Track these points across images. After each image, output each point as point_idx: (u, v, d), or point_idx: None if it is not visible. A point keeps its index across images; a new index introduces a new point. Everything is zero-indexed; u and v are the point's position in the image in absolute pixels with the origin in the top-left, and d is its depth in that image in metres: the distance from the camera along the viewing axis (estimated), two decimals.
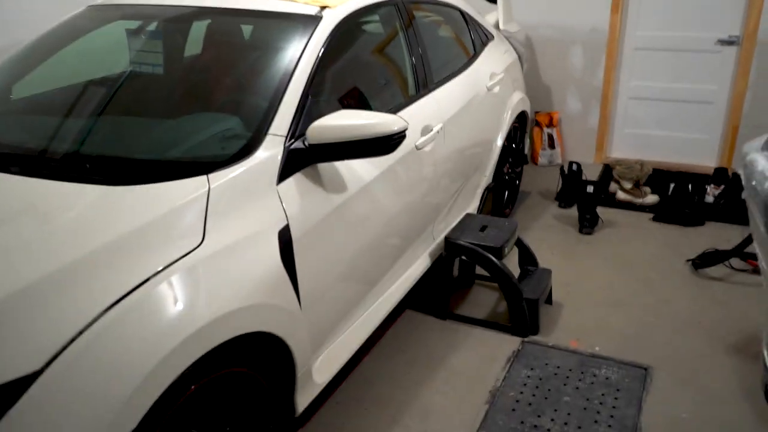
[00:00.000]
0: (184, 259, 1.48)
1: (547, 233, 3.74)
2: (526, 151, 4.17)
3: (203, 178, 1.65)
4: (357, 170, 2.10)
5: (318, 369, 2.01)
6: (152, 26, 2.46)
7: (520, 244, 3.02)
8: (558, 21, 4.61)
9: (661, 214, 3.88)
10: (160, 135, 1.95)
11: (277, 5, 2.27)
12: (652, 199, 4.02)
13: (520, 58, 3.98)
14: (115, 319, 1.31)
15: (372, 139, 1.85)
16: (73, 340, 1.25)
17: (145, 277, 1.40)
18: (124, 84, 2.24)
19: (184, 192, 1.59)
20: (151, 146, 1.88)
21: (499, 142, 3.48)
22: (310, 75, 2.02)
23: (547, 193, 4.33)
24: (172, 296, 1.42)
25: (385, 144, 1.87)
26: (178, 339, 1.37)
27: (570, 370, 2.51)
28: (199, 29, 2.47)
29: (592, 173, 4.39)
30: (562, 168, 4.13)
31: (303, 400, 1.93)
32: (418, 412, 2.29)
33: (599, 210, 3.83)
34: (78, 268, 1.34)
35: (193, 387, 1.48)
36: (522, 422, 2.23)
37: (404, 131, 1.90)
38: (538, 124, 4.84)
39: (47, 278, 1.30)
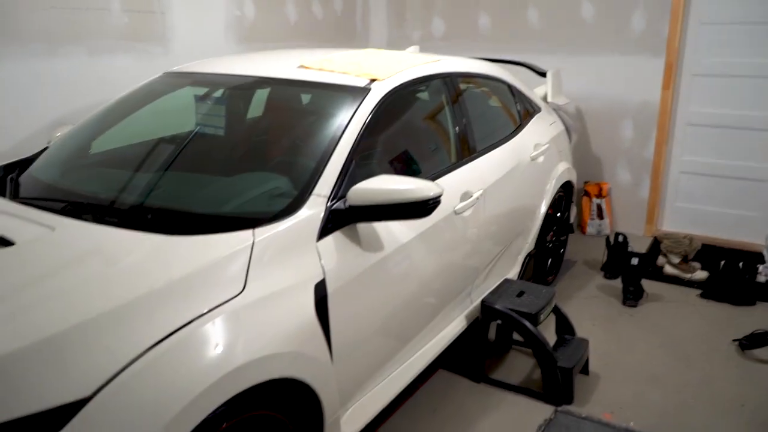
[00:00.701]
0: (225, 304, 1.62)
1: (589, 303, 3.72)
2: (572, 220, 4.21)
3: (249, 232, 1.81)
4: (394, 231, 2.23)
5: (347, 420, 2.08)
6: (218, 93, 2.71)
7: (558, 312, 3.04)
8: (609, 94, 4.71)
9: (710, 291, 3.81)
10: (215, 191, 2.14)
11: (332, 77, 2.48)
12: (700, 275, 3.96)
13: (567, 129, 4.08)
14: (159, 356, 1.45)
15: (408, 203, 1.97)
16: (119, 372, 1.39)
17: (190, 319, 1.54)
18: (188, 143, 2.47)
19: (230, 244, 1.75)
20: (206, 201, 2.07)
21: (543, 210, 3.55)
22: (355, 141, 2.18)
23: (593, 263, 4.32)
24: (212, 338, 1.55)
25: (420, 208, 1.99)
26: (213, 378, 1.50)
27: None
28: (260, 97, 2.71)
29: (641, 246, 4.36)
30: (607, 239, 4.14)
31: None
32: None
33: (645, 283, 3.80)
34: (132, 308, 1.50)
35: (224, 425, 1.59)
36: None
37: (439, 197, 2.02)
38: (587, 194, 4.87)
39: (104, 315, 1.46)
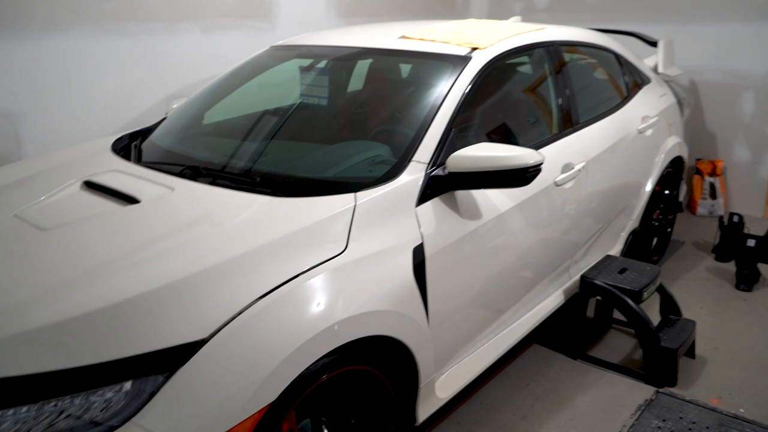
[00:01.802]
0: (327, 262, 1.69)
1: (697, 285, 3.53)
2: (681, 198, 3.99)
3: (351, 195, 1.87)
4: (493, 200, 2.22)
5: (441, 385, 2.12)
6: (322, 64, 2.79)
7: (663, 292, 2.91)
8: (727, 65, 4.40)
9: None
10: (319, 157, 2.22)
11: (432, 47, 2.48)
12: None
13: (679, 102, 3.86)
14: (267, 307, 1.54)
15: (508, 171, 1.96)
16: (232, 319, 1.49)
17: (295, 274, 1.62)
18: (294, 113, 2.56)
19: (333, 206, 1.82)
20: (311, 166, 2.16)
21: (649, 186, 3.39)
22: (455, 109, 2.18)
23: (703, 245, 4.09)
24: (315, 293, 1.63)
25: (520, 176, 1.97)
26: (315, 330, 1.57)
27: (707, 427, 2.37)
28: (362, 67, 2.77)
29: (758, 228, 4.07)
30: (720, 219, 3.89)
31: (423, 411, 2.05)
32: None
33: (762, 267, 3.55)
34: (242, 261, 1.60)
35: (325, 376, 1.66)
36: None
37: (540, 165, 1.99)
38: (699, 171, 4.59)
39: (218, 266, 1.57)
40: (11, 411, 1.35)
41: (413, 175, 1.99)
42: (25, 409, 1.35)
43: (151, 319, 1.45)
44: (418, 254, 1.91)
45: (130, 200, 1.91)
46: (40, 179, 2.19)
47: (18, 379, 1.36)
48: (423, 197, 1.99)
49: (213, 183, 2.01)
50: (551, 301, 2.74)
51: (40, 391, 1.37)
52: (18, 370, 1.37)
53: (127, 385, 1.39)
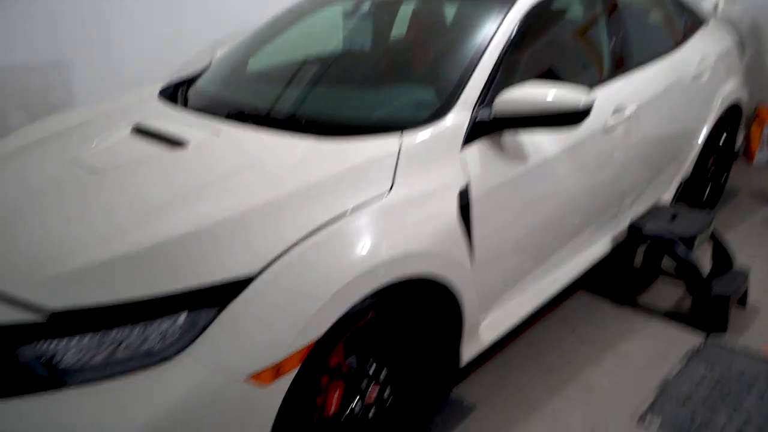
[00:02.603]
0: (373, 203, 1.70)
1: (751, 237, 3.42)
2: (738, 146, 3.83)
3: (396, 136, 1.85)
4: (540, 143, 2.17)
5: (485, 327, 2.13)
6: (365, 8, 2.74)
7: (716, 240, 2.83)
8: None
9: None
10: (364, 100, 2.20)
11: None
12: None
13: (740, 44, 3.66)
14: (313, 245, 1.56)
15: (556, 112, 1.91)
16: (279, 257, 1.52)
17: (340, 213, 1.63)
18: (337, 58, 2.54)
19: (379, 147, 1.81)
20: (355, 109, 2.15)
21: (703, 133, 3.26)
22: (502, 49, 2.12)
23: (760, 195, 3.94)
24: (360, 233, 1.64)
25: (569, 118, 1.92)
26: (361, 269, 1.59)
27: (757, 377, 2.33)
28: (406, 10, 2.71)
29: None
30: None
31: (468, 352, 2.07)
32: (582, 387, 2.30)
33: None
34: (289, 200, 1.62)
35: (370, 315, 1.69)
36: (693, 416, 2.14)
37: (590, 106, 1.93)
38: (758, 118, 4.39)
39: (266, 205, 1.59)
40: (76, 339, 1.42)
41: (459, 117, 1.96)
42: (88, 337, 1.42)
43: (203, 255, 1.49)
44: (464, 196, 1.89)
45: (178, 144, 1.94)
46: (92, 126, 2.24)
47: (82, 309, 1.43)
48: (469, 139, 1.96)
49: (258, 127, 2.02)
50: (598, 248, 2.70)
51: (101, 322, 1.43)
52: (81, 301, 1.43)
53: (182, 318, 1.44)
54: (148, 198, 1.67)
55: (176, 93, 2.52)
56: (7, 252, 1.59)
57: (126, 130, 2.10)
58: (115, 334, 1.43)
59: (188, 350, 1.43)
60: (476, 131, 1.98)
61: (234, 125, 2.04)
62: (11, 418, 1.41)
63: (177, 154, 1.88)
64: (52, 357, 1.42)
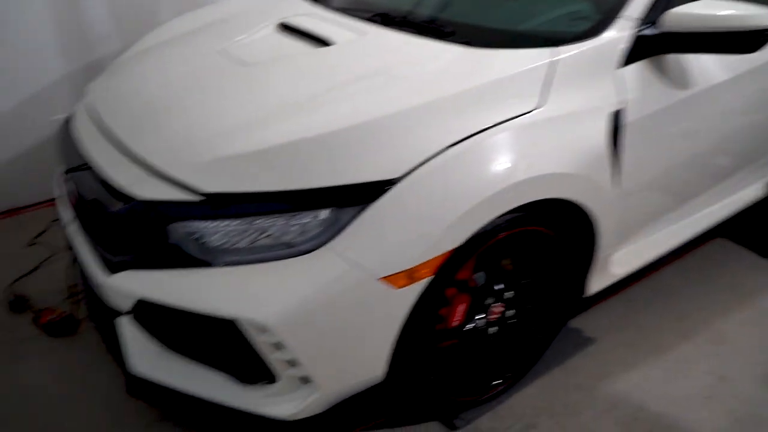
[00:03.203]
0: (520, 118, 1.62)
1: None
2: None
3: (549, 50, 1.73)
4: (707, 69, 1.96)
5: (617, 260, 2.03)
6: None
7: None
8: None
9: None
10: (514, 10, 2.07)
11: None
12: None
13: None
14: (457, 155, 1.51)
15: (734, 33, 1.71)
16: (423, 163, 1.49)
17: (486, 126, 1.57)
18: None
19: (530, 59, 1.70)
20: (506, 19, 2.03)
21: None
22: None
23: None
24: (504, 148, 1.57)
25: (749, 40, 1.71)
26: (503, 184, 1.54)
27: None
28: None
29: None
30: None
31: (596, 283, 2.00)
32: (713, 336, 2.18)
33: None
34: (436, 107, 1.57)
35: (503, 234, 1.65)
36: None
37: None
38: None
39: (411, 110, 1.56)
40: (224, 223, 1.49)
41: (620, 33, 1.80)
42: (236, 223, 1.48)
43: (350, 154, 1.50)
44: (616, 119, 1.76)
45: (324, 43, 1.92)
46: (238, 20, 2.28)
47: (231, 195, 1.49)
48: (629, 58, 1.80)
49: (404, 31, 1.96)
50: (748, 193, 2.48)
51: (248, 210, 1.48)
52: (231, 188, 1.49)
53: (324, 213, 1.47)
54: (299, 92, 1.68)
55: None
56: (167, 135, 1.67)
57: (272, 27, 2.11)
58: (261, 222, 1.48)
59: (328, 245, 1.46)
60: (637, 51, 1.81)
61: (379, 28, 1.99)
62: (163, 286, 1.52)
63: (325, 52, 1.87)
64: (201, 236, 1.50)
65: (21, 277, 2.50)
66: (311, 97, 1.64)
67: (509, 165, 1.57)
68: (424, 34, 1.90)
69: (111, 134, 1.79)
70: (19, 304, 2.34)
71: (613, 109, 1.76)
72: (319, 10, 2.23)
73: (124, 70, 2.15)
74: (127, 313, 1.62)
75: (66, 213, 1.93)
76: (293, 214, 1.47)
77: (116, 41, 2.98)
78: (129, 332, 1.66)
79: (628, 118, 1.78)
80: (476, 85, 1.63)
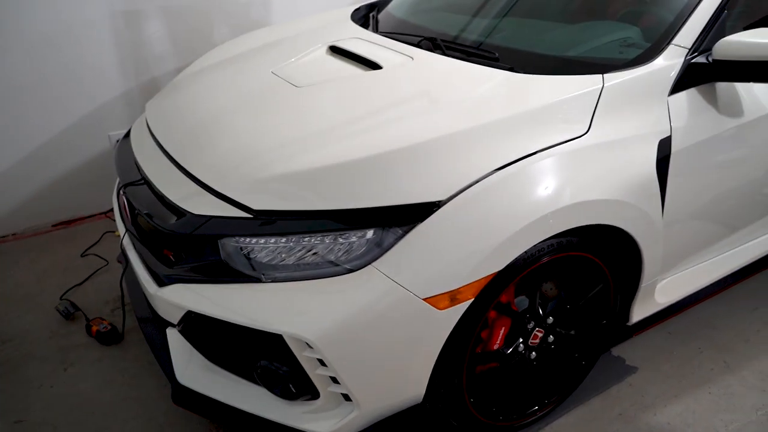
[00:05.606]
0: (566, 144, 1.62)
1: None
2: None
3: (598, 76, 1.74)
4: (757, 98, 1.94)
5: (661, 289, 2.01)
6: None
7: None
8: None
9: None
10: (561, 36, 2.08)
11: None
12: None
13: None
14: (502, 179, 1.53)
15: None
16: (468, 187, 1.51)
17: (533, 151, 1.58)
18: None
19: (578, 86, 1.71)
20: (552, 45, 2.04)
21: None
22: None
23: None
24: (550, 173, 1.58)
25: None
26: (549, 209, 1.54)
27: None
28: None
29: None
30: None
31: (639, 312, 1.97)
32: (760, 370, 2.12)
33: None
34: (483, 132, 1.59)
35: (546, 259, 1.65)
36: None
37: None
38: None
39: (459, 134, 1.58)
40: (273, 240, 1.53)
41: (670, 60, 1.79)
42: (283, 240, 1.52)
43: (397, 176, 1.52)
44: (664, 147, 1.75)
45: (373, 66, 1.97)
46: (290, 42, 2.35)
47: (280, 212, 1.53)
48: (678, 86, 1.80)
49: (451, 55, 1.99)
50: None
51: (296, 228, 1.52)
52: (280, 206, 1.54)
53: (370, 233, 1.50)
54: (349, 114, 1.72)
55: (368, 16, 2.55)
56: (220, 153, 1.73)
57: (323, 49, 2.17)
58: (308, 240, 1.52)
59: (373, 265, 1.48)
60: (687, 79, 1.81)
61: (427, 52, 2.03)
62: (211, 300, 1.57)
63: (374, 75, 1.92)
64: (249, 252, 1.55)
65: (74, 287, 2.59)
66: (360, 119, 1.68)
67: (555, 190, 1.57)
68: (471, 60, 1.93)
69: (166, 151, 1.86)
70: (71, 312, 2.43)
71: (662, 136, 1.75)
72: (368, 34, 2.29)
73: (180, 89, 2.24)
74: (176, 324, 1.68)
75: (121, 226, 2.01)
76: (340, 233, 1.50)
77: (172, 61, 3.10)
78: (177, 343, 1.71)
79: (676, 146, 1.77)
80: (525, 110, 1.65)
